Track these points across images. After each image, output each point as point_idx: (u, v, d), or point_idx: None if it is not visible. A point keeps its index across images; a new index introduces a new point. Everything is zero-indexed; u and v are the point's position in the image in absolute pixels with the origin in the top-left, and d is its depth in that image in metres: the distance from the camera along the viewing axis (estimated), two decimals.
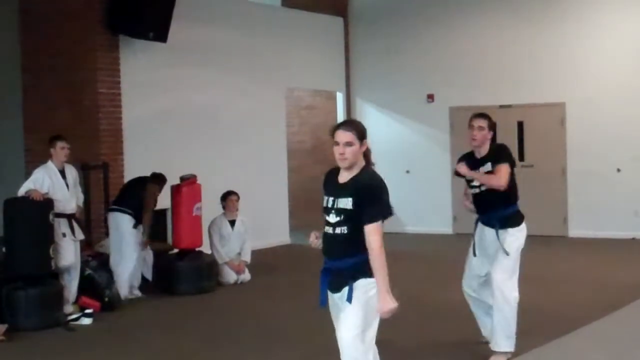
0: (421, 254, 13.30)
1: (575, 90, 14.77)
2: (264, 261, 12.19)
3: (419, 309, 8.96)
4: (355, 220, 4.76)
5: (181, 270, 10.44)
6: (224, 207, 11.22)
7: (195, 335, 8.25)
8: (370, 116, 16.24)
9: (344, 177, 4.91)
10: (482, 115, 6.96)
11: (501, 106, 15.30)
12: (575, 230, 14.83)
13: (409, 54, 16.08)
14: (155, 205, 10.30)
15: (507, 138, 15.27)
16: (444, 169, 15.22)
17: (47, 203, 8.81)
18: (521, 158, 15.24)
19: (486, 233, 6.95)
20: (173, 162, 11.73)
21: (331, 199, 4.89)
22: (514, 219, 6.91)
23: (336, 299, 4.90)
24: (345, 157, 4.86)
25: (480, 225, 7.05)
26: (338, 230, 4.84)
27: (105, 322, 8.90)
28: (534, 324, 8.04)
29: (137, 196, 10.14)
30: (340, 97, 16.70)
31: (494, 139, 6.98)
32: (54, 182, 9.02)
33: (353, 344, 4.78)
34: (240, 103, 13.79)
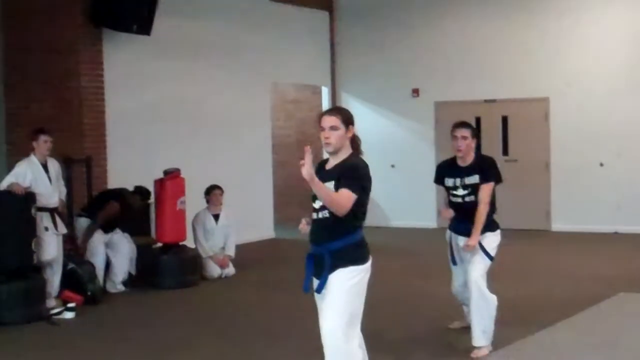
0: (405, 248, 13.31)
1: (560, 85, 14.81)
2: (248, 255, 12.18)
3: (403, 301, 8.98)
4: None
5: (165, 264, 10.42)
6: (208, 201, 11.20)
7: (178, 329, 8.24)
8: (355, 110, 15.93)
9: (330, 164, 4.99)
10: (464, 125, 7.02)
11: (486, 101, 15.35)
12: (558, 225, 14.88)
13: (394, 48, 16.08)
14: (104, 222, 10.15)
15: (492, 132, 15.38)
16: (428, 164, 15.20)
17: (29, 197, 8.77)
18: (505, 152, 15.30)
19: (459, 241, 7.05)
20: (157, 156, 11.71)
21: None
22: (491, 225, 7.04)
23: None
24: (330, 141, 4.90)
25: (453, 235, 7.11)
26: (321, 215, 4.89)
27: (88, 316, 8.88)
28: (515, 317, 8.08)
29: (102, 208, 10.15)
30: (325, 92, 16.70)
31: (478, 146, 7.05)
32: (36, 176, 8.99)
33: (334, 333, 4.79)
34: (225, 97, 13.76)
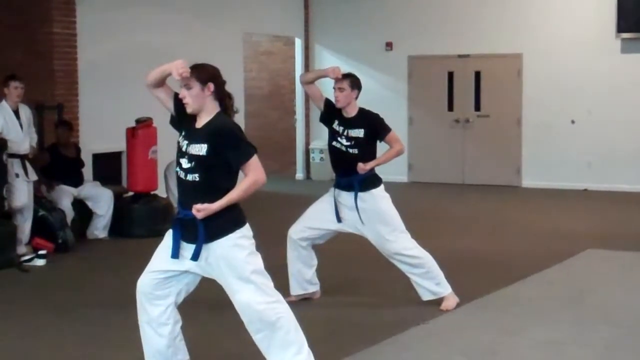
0: None
1: (533, 41, 14.84)
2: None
3: (372, 257, 9.05)
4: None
5: (136, 213, 10.42)
6: None
7: None
8: (329, 63, 16.12)
9: (198, 123, 4.78)
10: (345, 76, 6.74)
11: (459, 56, 15.35)
12: (529, 181, 15.00)
13: (368, 1, 16.01)
14: (43, 174, 9.92)
15: (465, 87, 15.41)
16: (401, 117, 15.23)
17: (0, 143, 8.70)
18: (477, 108, 15.35)
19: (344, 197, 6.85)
20: (129, 104, 11.61)
21: (185, 143, 4.76)
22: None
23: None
24: (186, 101, 4.74)
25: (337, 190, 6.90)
26: (190, 177, 4.71)
27: (59, 263, 8.88)
28: (484, 271, 8.19)
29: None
30: (298, 43, 16.62)
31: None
32: (7, 122, 8.92)
33: (257, 305, 4.68)
34: (197, 46, 13.60)
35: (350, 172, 6.71)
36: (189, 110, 4.75)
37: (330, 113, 6.84)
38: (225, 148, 4.64)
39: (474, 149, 15.16)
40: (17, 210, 9.06)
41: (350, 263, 8.55)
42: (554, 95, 14.75)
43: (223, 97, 4.83)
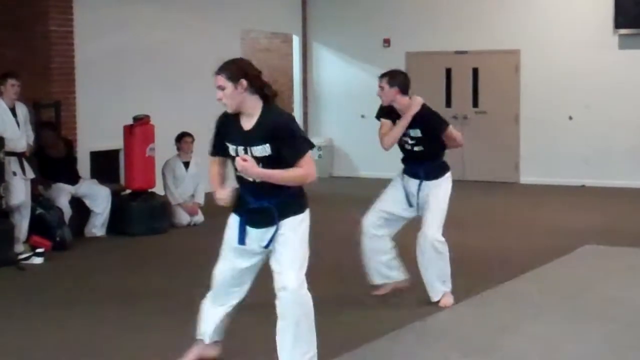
0: (373, 198, 13.34)
1: (531, 37, 14.84)
2: (217, 203, 12.14)
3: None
4: None
5: (134, 211, 10.41)
6: (178, 149, 11.17)
7: (147, 276, 8.26)
8: (327, 60, 16.20)
9: (246, 123, 4.81)
10: (383, 75, 6.94)
11: (457, 52, 15.35)
12: (527, 177, 15.00)
13: None
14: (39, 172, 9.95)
15: (462, 84, 15.40)
16: None
17: None
18: (475, 104, 15.35)
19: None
20: (126, 102, 11.62)
21: (241, 148, 4.80)
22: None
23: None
24: (224, 102, 4.79)
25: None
26: (258, 180, 4.83)
27: (57, 261, 8.87)
28: (482, 268, 8.19)
29: None
30: (296, 40, 16.60)
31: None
32: (4, 120, 8.90)
33: (299, 288, 4.84)
34: (195, 43, 13.62)
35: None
36: (229, 110, 4.78)
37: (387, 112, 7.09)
38: (282, 144, 4.67)
39: (471, 145, 15.06)
40: (15, 209, 9.04)
41: (342, 258, 8.54)
42: (552, 91, 14.75)
43: (261, 88, 4.78)
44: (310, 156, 4.76)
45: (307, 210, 4.92)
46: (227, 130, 4.87)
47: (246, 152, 4.74)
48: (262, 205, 4.81)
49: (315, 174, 4.78)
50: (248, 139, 4.74)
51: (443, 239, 6.84)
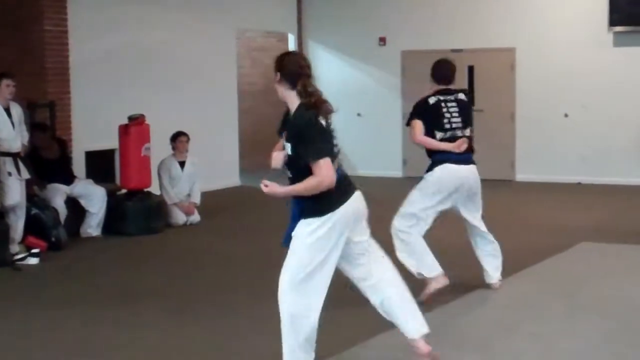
0: (371, 197, 13.34)
1: (526, 35, 14.84)
2: (214, 203, 12.17)
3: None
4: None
5: (129, 211, 10.38)
6: (173, 148, 11.16)
7: (144, 276, 8.25)
8: (322, 58, 16.18)
9: None
10: None
11: (452, 50, 15.31)
12: (523, 175, 15.01)
13: None
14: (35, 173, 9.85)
15: (458, 82, 15.31)
16: (395, 113, 15.24)
17: None
18: (471, 102, 15.30)
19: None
20: (121, 102, 11.60)
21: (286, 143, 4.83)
22: None
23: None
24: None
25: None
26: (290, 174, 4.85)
27: (52, 261, 8.85)
28: (479, 265, 8.16)
29: None
30: (291, 39, 16.60)
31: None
32: None
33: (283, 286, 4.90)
34: (190, 42, 13.62)
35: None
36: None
37: None
38: (299, 148, 4.65)
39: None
40: (10, 209, 9.02)
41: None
42: (547, 89, 14.76)
43: (295, 85, 4.71)
44: (324, 162, 4.61)
45: (324, 216, 4.74)
46: (283, 120, 4.89)
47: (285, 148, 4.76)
48: (296, 204, 4.82)
49: (330, 179, 4.63)
50: (285, 135, 4.76)
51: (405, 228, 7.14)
